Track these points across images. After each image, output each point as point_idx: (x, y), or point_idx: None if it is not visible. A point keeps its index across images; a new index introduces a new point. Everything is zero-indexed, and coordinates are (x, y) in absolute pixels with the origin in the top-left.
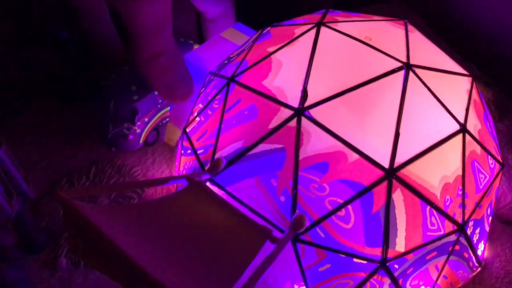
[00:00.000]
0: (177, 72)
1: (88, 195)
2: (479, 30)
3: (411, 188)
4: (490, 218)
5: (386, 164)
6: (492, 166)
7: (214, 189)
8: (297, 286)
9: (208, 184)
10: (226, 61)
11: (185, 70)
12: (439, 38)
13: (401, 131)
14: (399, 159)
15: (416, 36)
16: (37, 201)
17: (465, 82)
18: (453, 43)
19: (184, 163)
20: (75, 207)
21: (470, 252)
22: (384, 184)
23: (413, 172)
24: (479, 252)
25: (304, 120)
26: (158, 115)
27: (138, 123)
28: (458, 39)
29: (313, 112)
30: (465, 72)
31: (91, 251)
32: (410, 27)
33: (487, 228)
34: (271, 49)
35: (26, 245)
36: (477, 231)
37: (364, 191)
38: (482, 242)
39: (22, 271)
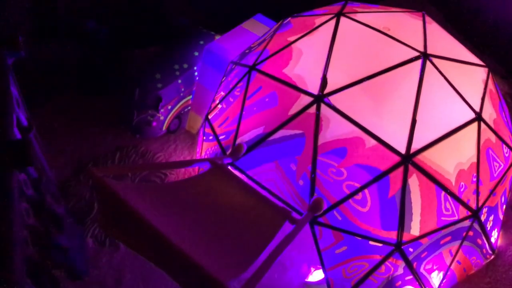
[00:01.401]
0: None
1: (118, 174)
2: (496, 24)
3: (426, 173)
4: (504, 206)
5: (402, 150)
6: (507, 155)
7: (235, 173)
8: (314, 269)
9: (229, 168)
10: (247, 51)
11: None
12: (456, 31)
13: (417, 118)
14: (416, 145)
15: (434, 27)
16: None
17: (481, 73)
18: (470, 36)
19: (205, 149)
20: (107, 184)
21: (484, 238)
22: (401, 169)
23: (429, 158)
24: (492, 240)
25: (323, 107)
26: (181, 103)
27: (162, 110)
28: (475, 32)
29: (332, 99)
30: (482, 63)
31: (121, 226)
32: (427, 18)
33: (501, 216)
34: (291, 39)
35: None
36: (491, 218)
37: (381, 176)
38: (496, 230)
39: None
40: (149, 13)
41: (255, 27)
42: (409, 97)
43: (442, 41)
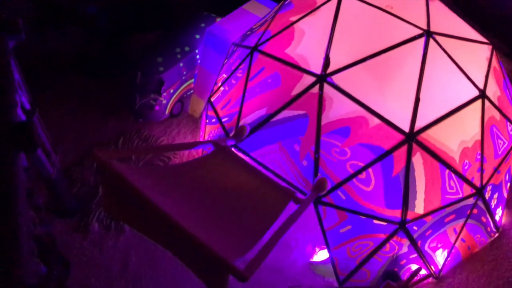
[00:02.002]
0: None
1: (122, 157)
2: (501, 1)
3: (430, 151)
4: (509, 184)
5: (406, 128)
6: (511, 132)
7: (239, 154)
8: (318, 249)
9: (233, 150)
10: (248, 32)
11: None
12: (460, 9)
13: (421, 96)
14: (419, 124)
15: (437, 5)
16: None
17: (485, 50)
18: (474, 14)
19: (208, 132)
20: (111, 165)
21: (488, 216)
22: (404, 147)
23: (433, 136)
24: (497, 218)
25: (326, 87)
26: (183, 86)
27: (164, 94)
28: (480, 10)
29: (335, 78)
30: (485, 40)
31: (126, 208)
32: None
33: (505, 194)
34: (293, 19)
35: (59, 209)
36: (495, 196)
37: (385, 155)
38: (500, 207)
39: (51, 229)
40: None
41: (256, 8)
42: (413, 75)
43: (445, 19)
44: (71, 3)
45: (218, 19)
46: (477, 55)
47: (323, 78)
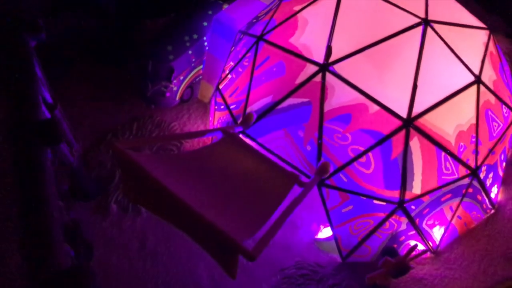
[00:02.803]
0: None
1: (137, 146)
2: None
3: (427, 136)
4: (504, 163)
5: (404, 114)
6: (506, 114)
7: (247, 140)
8: (323, 226)
9: (240, 136)
10: (254, 20)
11: None
12: None
13: (418, 83)
14: (416, 109)
15: None
16: (86, 154)
17: (482, 35)
18: None
19: (218, 118)
20: (128, 155)
21: (483, 194)
22: (402, 132)
23: (429, 121)
24: (492, 195)
25: (328, 75)
26: (192, 73)
27: (174, 81)
28: None
29: (337, 67)
30: (483, 25)
31: (143, 193)
32: None
33: (501, 173)
34: (297, 8)
35: (80, 194)
36: (490, 175)
37: (384, 139)
38: (496, 186)
39: (75, 215)
40: None
41: None
42: (411, 63)
43: (444, 6)
44: None
45: (225, 6)
46: (474, 41)
47: (325, 67)
